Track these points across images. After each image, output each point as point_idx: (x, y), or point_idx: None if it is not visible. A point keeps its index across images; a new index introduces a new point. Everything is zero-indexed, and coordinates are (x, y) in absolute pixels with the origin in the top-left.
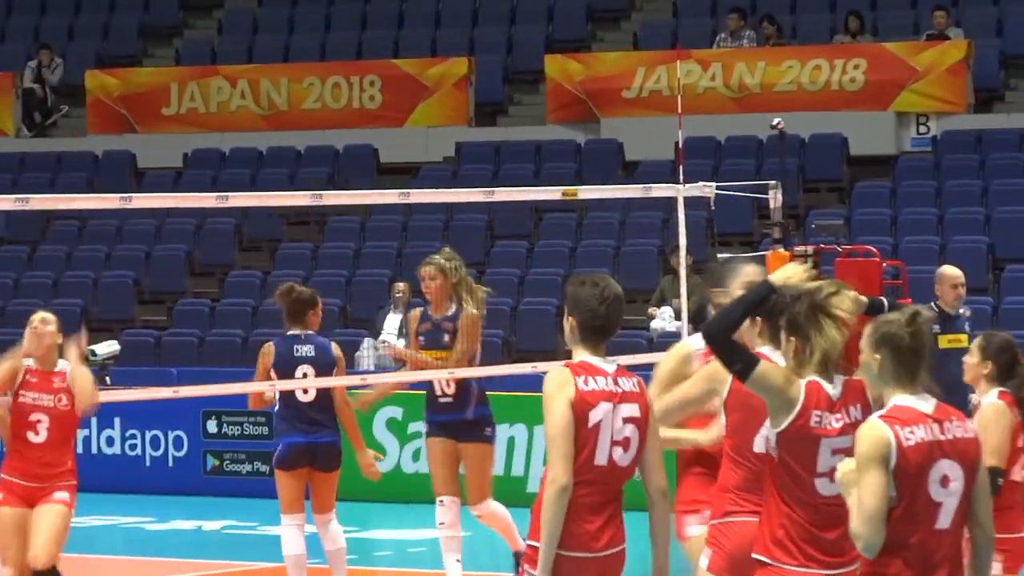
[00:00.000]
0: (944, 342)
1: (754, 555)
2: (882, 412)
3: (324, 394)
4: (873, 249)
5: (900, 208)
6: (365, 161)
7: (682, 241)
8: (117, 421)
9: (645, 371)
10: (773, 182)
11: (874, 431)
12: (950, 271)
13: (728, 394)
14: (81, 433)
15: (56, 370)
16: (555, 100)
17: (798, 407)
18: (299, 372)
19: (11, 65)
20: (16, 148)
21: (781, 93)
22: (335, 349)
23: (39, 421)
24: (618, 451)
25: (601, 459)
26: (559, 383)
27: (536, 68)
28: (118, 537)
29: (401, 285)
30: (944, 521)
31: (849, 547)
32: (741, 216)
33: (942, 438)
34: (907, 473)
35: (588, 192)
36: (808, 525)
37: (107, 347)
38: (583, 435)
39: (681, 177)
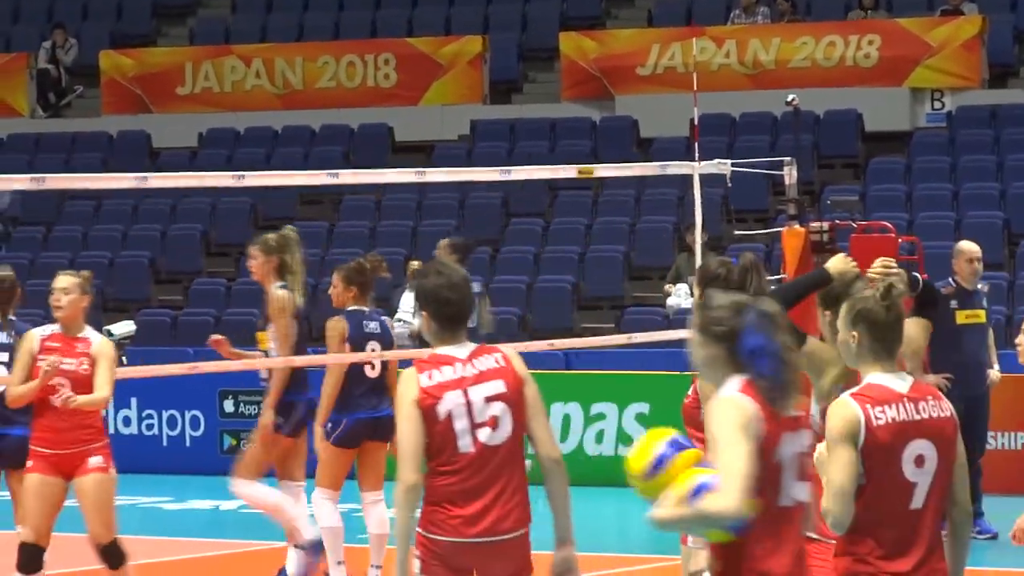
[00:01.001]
0: (962, 317)
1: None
2: (854, 390)
3: (385, 371)
4: (888, 225)
5: (915, 184)
6: (380, 140)
7: (698, 218)
8: (134, 401)
9: (663, 348)
10: (788, 158)
11: (844, 409)
12: (967, 246)
13: None
14: None
15: (80, 336)
16: (570, 77)
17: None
18: (369, 348)
19: (25, 46)
20: (31, 129)
21: (795, 69)
22: (389, 324)
23: (62, 385)
24: (485, 432)
25: (466, 446)
26: (404, 385)
27: (551, 46)
28: (136, 517)
29: (416, 263)
30: (918, 501)
31: None
32: (756, 193)
33: (917, 418)
34: (876, 452)
35: (605, 170)
36: None
37: (123, 327)
38: (437, 430)
39: (697, 154)
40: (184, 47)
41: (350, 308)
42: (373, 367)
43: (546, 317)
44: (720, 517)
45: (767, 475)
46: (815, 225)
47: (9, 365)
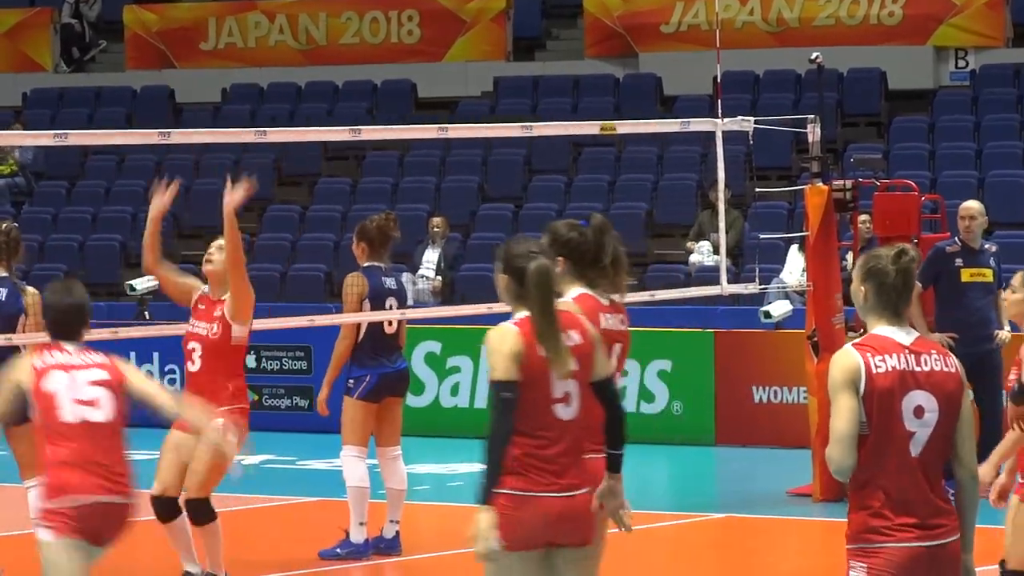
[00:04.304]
0: (967, 275)
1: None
2: (856, 340)
3: (399, 327)
4: (911, 183)
5: (938, 142)
6: (403, 96)
7: (720, 175)
8: (156, 356)
9: (685, 305)
10: (811, 116)
11: (845, 358)
12: (964, 204)
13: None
14: None
15: (222, 298)
16: (593, 35)
17: None
18: (387, 303)
19: (49, 0)
20: (54, 83)
21: (820, 27)
22: (409, 279)
23: (194, 350)
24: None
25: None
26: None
27: (574, 2)
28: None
29: (438, 220)
30: (916, 449)
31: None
32: (779, 150)
33: (917, 369)
34: (877, 399)
35: (628, 127)
36: None
37: (146, 282)
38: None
39: (719, 111)
40: (208, 2)
41: (366, 264)
42: (391, 323)
43: None
44: None
45: None
46: (838, 183)
47: None
